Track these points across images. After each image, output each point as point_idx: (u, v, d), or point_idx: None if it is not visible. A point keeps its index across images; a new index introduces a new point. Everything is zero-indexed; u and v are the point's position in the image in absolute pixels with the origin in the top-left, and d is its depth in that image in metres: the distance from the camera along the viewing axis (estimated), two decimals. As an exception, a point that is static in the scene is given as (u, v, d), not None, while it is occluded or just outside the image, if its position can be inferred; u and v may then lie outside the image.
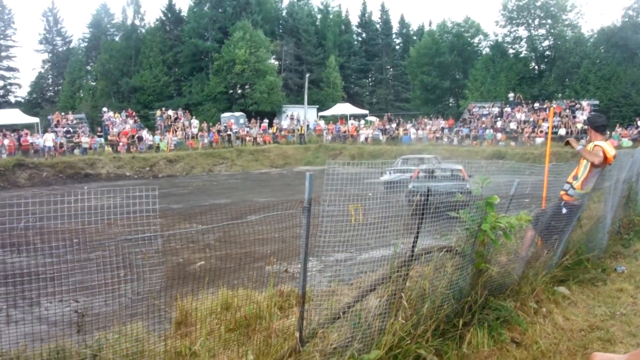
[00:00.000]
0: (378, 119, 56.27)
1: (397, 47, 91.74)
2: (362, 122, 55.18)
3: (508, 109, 50.59)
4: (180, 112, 55.43)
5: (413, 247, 6.01)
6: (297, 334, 5.50)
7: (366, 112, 62.29)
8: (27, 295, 5.58)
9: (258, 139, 48.91)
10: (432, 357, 5.74)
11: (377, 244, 6.39)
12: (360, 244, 6.13)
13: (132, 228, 5.54)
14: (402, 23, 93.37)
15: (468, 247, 6.63)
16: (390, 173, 23.73)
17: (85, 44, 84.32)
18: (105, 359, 5.74)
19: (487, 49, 72.74)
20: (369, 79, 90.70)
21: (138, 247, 5.64)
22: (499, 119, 49.28)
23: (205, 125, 50.61)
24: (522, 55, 66.63)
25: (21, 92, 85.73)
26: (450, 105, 75.85)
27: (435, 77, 71.38)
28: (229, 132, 48.18)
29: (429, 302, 6.07)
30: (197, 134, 48.00)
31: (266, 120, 53.86)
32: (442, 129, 48.95)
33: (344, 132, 50.58)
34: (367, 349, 5.59)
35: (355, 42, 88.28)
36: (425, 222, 6.12)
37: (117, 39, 78.25)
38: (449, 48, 72.27)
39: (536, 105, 50.12)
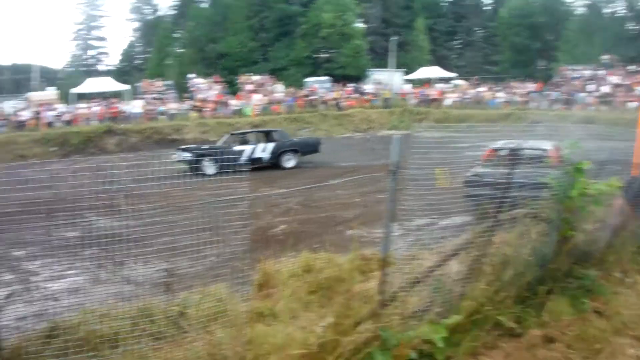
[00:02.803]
0: (465, 83, 55.20)
1: (487, 7, 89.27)
2: (450, 85, 54.22)
3: (601, 72, 48.65)
4: (265, 77, 55.86)
5: (497, 212, 5.92)
6: (377, 297, 5.53)
7: (453, 75, 61.02)
8: (114, 257, 5.80)
9: (342, 103, 48.75)
10: (511, 323, 5.69)
11: (460, 209, 6.34)
12: (443, 209, 6.09)
13: (217, 191, 5.66)
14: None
15: (554, 214, 6.48)
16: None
17: (174, 12, 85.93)
18: (191, 317, 5.92)
19: (582, 9, 70.05)
20: (457, 41, 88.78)
21: (223, 209, 5.76)
22: (591, 82, 47.47)
23: (291, 89, 50.81)
24: (618, 15, 63.82)
25: (111, 61, 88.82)
26: (540, 68, 73.56)
27: (526, 38, 69.22)
28: (313, 97, 48.22)
29: (511, 269, 5.99)
30: (281, 99, 48.25)
31: (351, 85, 53.57)
32: (531, 92, 47.49)
33: (429, 96, 49.81)
34: (447, 314, 5.58)
35: (443, 4, 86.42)
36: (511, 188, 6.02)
37: (204, 5, 79.30)
38: (541, 8, 69.87)
39: (631, 67, 47.92)
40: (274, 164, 25.41)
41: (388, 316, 5.47)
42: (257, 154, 25.31)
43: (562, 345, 5.48)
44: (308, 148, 27.99)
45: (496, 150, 11.08)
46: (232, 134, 27.82)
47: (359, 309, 5.63)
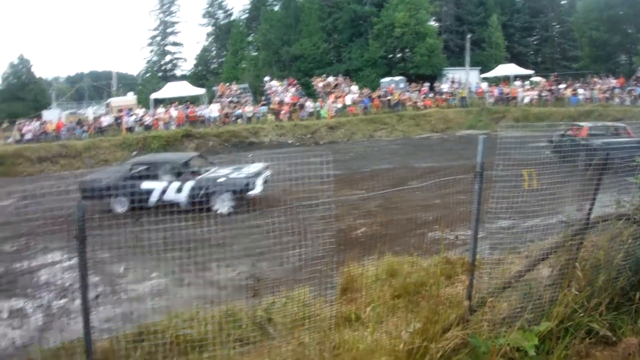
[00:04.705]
0: (544, 80, 53.96)
1: (564, 2, 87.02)
2: (527, 83, 53.08)
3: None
4: (340, 78, 55.92)
5: (589, 214, 5.72)
6: (466, 303, 5.42)
7: (531, 72, 59.63)
8: (198, 261, 5.86)
9: (419, 104, 48.33)
10: (605, 331, 5.48)
11: (548, 210, 6.17)
12: (531, 211, 5.94)
13: (301, 195, 5.66)
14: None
15: (648, 216, 6.23)
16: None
17: (246, 16, 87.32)
18: (277, 321, 5.93)
19: (664, -2, 67.28)
20: (534, 38, 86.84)
21: (308, 213, 5.75)
22: (678, 75, 45.57)
23: (365, 90, 50.65)
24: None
25: (187, 66, 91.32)
26: (622, 62, 71.20)
27: (605, 32, 67.04)
28: (389, 97, 47.95)
29: (603, 274, 5.78)
30: (357, 100, 48.10)
31: (427, 84, 53.04)
32: (613, 88, 45.92)
33: (507, 94, 48.84)
34: (537, 321, 5.43)
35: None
36: (601, 188, 5.82)
37: (276, 8, 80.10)
38: (620, 0, 67.63)
39: None
40: None
41: (476, 322, 5.36)
42: None
43: (660, 355, 5.25)
44: None
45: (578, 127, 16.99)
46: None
47: (446, 315, 5.53)
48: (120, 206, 16.38)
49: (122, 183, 18.00)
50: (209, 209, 15.08)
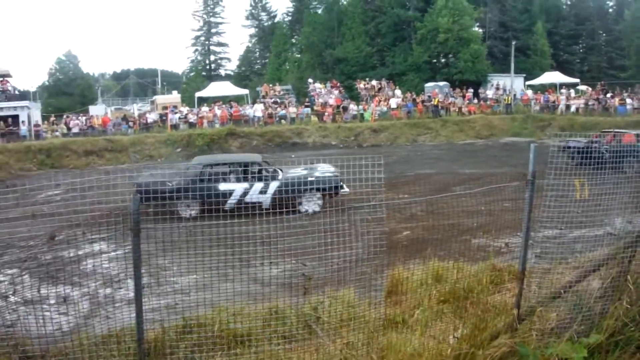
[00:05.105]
0: (590, 89, 53.16)
1: (611, 9, 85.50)
2: (572, 91, 52.35)
3: None
4: (383, 82, 55.84)
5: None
6: (515, 311, 5.40)
7: (577, 80, 58.86)
8: (243, 258, 5.92)
9: (463, 109, 48.09)
10: (656, 346, 5.41)
11: (598, 222, 6.11)
12: (578, 221, 5.89)
13: (352, 197, 5.70)
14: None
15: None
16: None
17: (290, 18, 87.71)
18: (324, 321, 5.97)
19: None
20: (580, 46, 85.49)
21: (359, 215, 5.78)
22: None
23: (408, 95, 50.52)
24: None
25: (230, 66, 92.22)
26: (671, 72, 69.75)
27: (654, 41, 65.87)
28: (432, 102, 47.72)
29: (657, 288, 5.71)
30: (401, 104, 47.98)
31: (471, 90, 52.70)
32: (663, 98, 44.95)
33: (553, 102, 48.22)
34: (587, 332, 5.38)
35: (564, 6, 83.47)
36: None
37: (319, 11, 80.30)
38: (670, 9, 66.33)
39: None
40: None
41: (525, 332, 5.33)
42: None
43: None
44: None
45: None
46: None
47: (493, 322, 5.51)
48: (189, 210, 14.99)
49: (194, 185, 15.50)
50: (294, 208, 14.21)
